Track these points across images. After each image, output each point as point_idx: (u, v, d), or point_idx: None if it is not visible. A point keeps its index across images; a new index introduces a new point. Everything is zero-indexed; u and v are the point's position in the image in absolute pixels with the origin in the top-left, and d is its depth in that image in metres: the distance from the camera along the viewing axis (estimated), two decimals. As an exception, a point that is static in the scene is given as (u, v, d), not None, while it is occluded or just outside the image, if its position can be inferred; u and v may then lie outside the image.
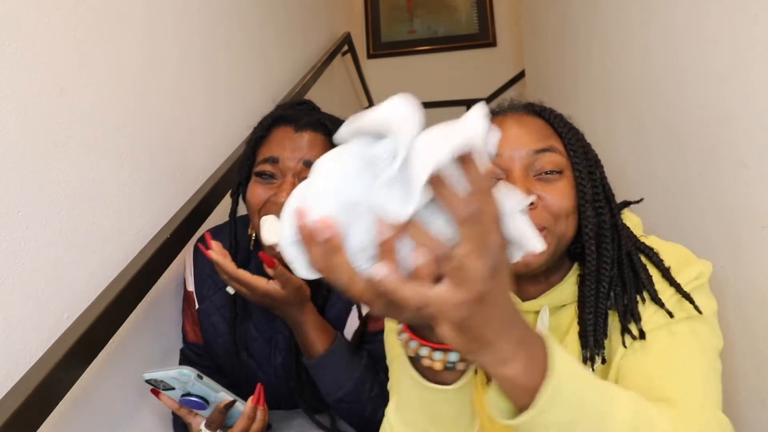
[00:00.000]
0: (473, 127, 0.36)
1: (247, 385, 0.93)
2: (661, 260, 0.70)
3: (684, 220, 0.99)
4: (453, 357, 0.50)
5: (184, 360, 1.04)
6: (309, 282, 0.88)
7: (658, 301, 0.67)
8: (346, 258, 0.40)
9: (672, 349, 0.65)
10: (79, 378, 0.70)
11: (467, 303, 0.37)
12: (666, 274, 0.69)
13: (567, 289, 0.73)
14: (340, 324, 0.95)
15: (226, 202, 1.27)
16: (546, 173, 0.70)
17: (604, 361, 0.68)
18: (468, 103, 4.10)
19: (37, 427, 0.63)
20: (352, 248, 0.40)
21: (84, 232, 0.82)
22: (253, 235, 0.93)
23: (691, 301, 0.66)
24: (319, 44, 2.62)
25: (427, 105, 4.27)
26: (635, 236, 0.74)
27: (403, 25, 4.37)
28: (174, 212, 1.03)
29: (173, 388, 0.81)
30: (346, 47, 3.20)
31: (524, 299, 0.73)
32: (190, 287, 1.01)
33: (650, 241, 0.74)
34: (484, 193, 0.37)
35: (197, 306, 1.00)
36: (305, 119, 0.93)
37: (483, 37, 4.26)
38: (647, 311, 0.68)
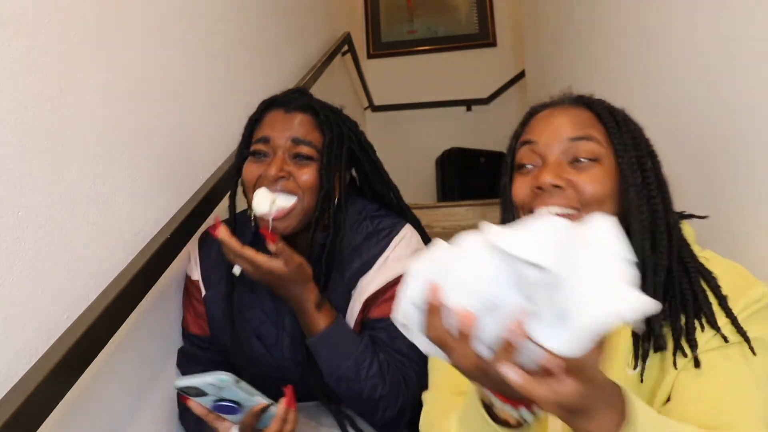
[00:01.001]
0: (637, 304, 0.42)
1: (257, 373, 0.94)
2: (719, 286, 0.68)
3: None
4: (528, 417, 0.55)
5: (184, 358, 1.04)
6: (309, 262, 0.91)
7: (715, 326, 0.66)
8: (470, 346, 0.47)
9: (728, 373, 0.65)
10: (79, 378, 0.70)
11: (583, 394, 0.45)
12: (723, 302, 0.67)
13: None
14: (340, 310, 0.96)
15: (227, 202, 1.28)
16: (580, 160, 0.72)
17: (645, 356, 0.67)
18: (468, 103, 4.11)
19: (37, 427, 0.63)
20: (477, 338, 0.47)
21: (84, 232, 0.82)
22: (253, 215, 0.95)
23: (746, 338, 0.64)
24: (319, 44, 2.62)
25: (427, 105, 4.30)
26: (692, 250, 0.72)
27: (403, 25, 4.37)
28: (174, 212, 1.03)
29: (206, 394, 0.78)
30: (346, 47, 3.20)
31: None
32: (195, 276, 1.04)
33: (707, 256, 0.72)
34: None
35: (204, 293, 1.02)
36: (295, 102, 0.99)
37: (483, 37, 4.25)
38: (703, 337, 0.66)
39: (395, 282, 0.95)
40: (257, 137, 0.97)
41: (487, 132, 4.06)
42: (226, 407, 0.80)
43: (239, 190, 1.01)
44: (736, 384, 0.64)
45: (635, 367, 0.67)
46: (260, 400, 0.80)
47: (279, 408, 0.81)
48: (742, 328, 0.65)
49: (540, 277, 0.43)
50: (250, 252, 0.85)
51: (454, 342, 0.47)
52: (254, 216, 0.94)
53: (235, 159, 1.01)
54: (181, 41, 1.20)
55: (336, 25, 3.14)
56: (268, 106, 1.01)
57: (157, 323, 1.00)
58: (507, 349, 0.45)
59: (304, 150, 0.94)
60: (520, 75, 3.81)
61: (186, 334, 1.05)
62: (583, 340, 0.42)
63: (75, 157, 0.81)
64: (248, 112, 1.49)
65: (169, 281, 1.03)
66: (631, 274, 0.43)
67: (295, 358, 0.98)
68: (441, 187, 3.85)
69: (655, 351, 0.67)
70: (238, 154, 1.01)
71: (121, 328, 0.81)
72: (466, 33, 4.27)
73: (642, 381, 0.66)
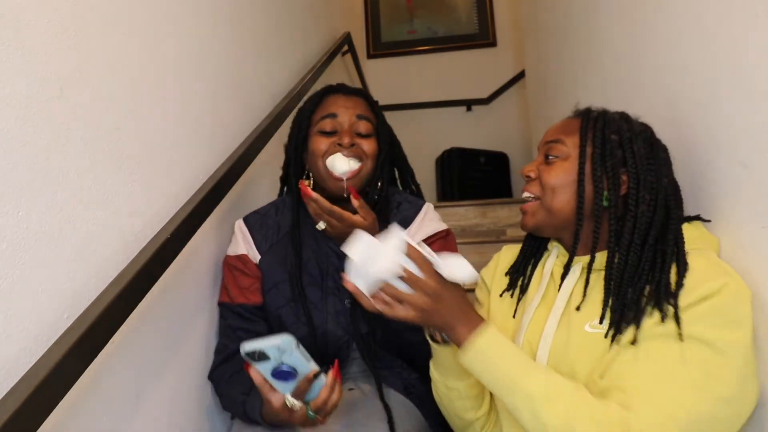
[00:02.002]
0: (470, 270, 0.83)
1: (299, 337, 1.04)
2: (681, 279, 0.78)
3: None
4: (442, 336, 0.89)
5: (228, 329, 1.15)
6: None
7: (663, 314, 0.76)
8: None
9: (657, 356, 0.75)
10: (79, 378, 0.70)
11: (422, 311, 0.80)
12: (666, 289, 0.78)
13: (599, 258, 0.88)
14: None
15: (227, 202, 1.28)
16: (549, 157, 0.93)
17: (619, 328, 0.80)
18: (468, 103, 4.11)
19: (37, 427, 0.63)
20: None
21: (84, 232, 0.82)
22: (311, 182, 1.17)
23: (678, 323, 0.74)
24: (319, 44, 2.63)
25: (427, 105, 4.31)
26: (676, 242, 0.82)
27: (402, 25, 4.37)
28: (174, 212, 1.03)
29: (268, 359, 0.84)
30: (346, 47, 3.20)
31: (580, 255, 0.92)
32: (243, 251, 1.19)
33: (695, 254, 0.81)
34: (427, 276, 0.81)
35: (259, 258, 1.17)
36: (350, 89, 1.22)
37: (483, 37, 4.26)
38: (650, 320, 0.78)
39: (435, 236, 1.19)
40: (322, 114, 1.16)
41: (487, 132, 4.07)
42: (283, 373, 0.85)
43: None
44: (658, 371, 0.73)
45: (607, 334, 0.81)
46: (314, 366, 0.87)
47: (329, 377, 0.89)
48: (679, 325, 0.74)
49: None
50: (337, 208, 1.02)
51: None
52: (312, 182, 1.16)
53: (291, 137, 1.23)
54: (181, 42, 1.20)
55: (336, 25, 3.14)
56: (326, 92, 1.21)
57: (157, 323, 1.00)
58: (384, 292, 0.81)
59: (364, 126, 1.15)
60: (520, 75, 3.81)
61: (230, 307, 1.15)
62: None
63: (75, 157, 0.81)
64: (248, 112, 1.49)
65: (169, 281, 1.03)
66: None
67: (337, 320, 1.11)
68: (441, 187, 3.85)
69: (617, 323, 0.80)
70: (295, 132, 1.21)
71: (121, 328, 0.81)
72: (466, 33, 4.28)
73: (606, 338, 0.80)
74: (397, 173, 1.31)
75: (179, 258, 0.99)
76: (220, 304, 1.19)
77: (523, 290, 1.00)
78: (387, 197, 1.19)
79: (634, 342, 0.77)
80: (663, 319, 0.75)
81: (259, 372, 0.86)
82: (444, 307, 0.80)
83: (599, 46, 1.61)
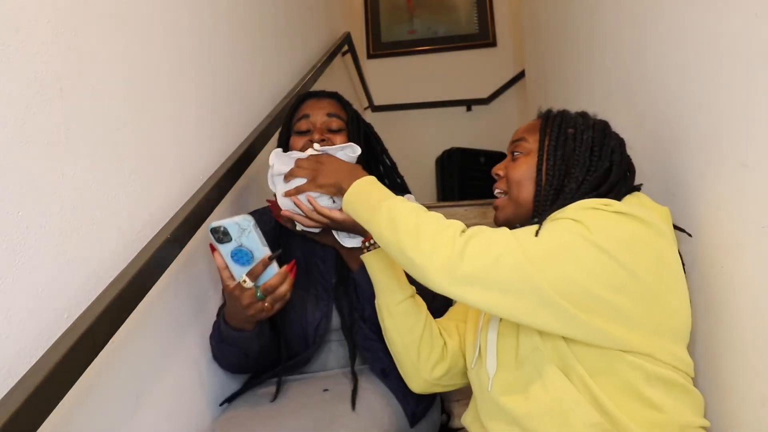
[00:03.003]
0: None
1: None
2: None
3: (684, 220, 0.99)
4: (370, 243, 1.06)
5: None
6: None
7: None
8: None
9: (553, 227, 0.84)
10: (79, 378, 0.70)
11: (311, 174, 1.05)
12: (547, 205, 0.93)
13: None
14: None
15: (227, 202, 1.28)
16: (514, 154, 1.02)
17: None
18: (468, 103, 4.11)
19: (37, 427, 0.63)
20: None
21: (84, 232, 0.82)
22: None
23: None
24: (319, 44, 2.63)
25: (427, 105, 4.30)
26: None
27: (403, 25, 4.36)
28: (174, 212, 1.03)
29: (230, 241, 0.95)
30: (346, 47, 3.20)
31: None
32: None
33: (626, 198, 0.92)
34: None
35: None
36: (324, 92, 1.33)
37: (483, 37, 4.25)
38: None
39: None
40: (298, 117, 1.26)
41: (487, 132, 4.06)
42: (241, 255, 0.96)
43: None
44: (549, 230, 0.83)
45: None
46: (267, 251, 0.97)
47: (283, 268, 0.98)
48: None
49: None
50: (325, 210, 1.07)
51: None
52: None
53: (278, 142, 1.31)
54: (182, 41, 1.20)
55: (336, 25, 3.14)
56: (301, 99, 1.32)
57: (157, 323, 1.00)
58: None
59: (335, 123, 1.25)
60: (520, 75, 3.81)
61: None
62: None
63: (75, 157, 0.81)
64: (248, 113, 1.50)
65: (169, 281, 1.03)
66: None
67: (317, 304, 1.18)
68: (441, 187, 3.85)
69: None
70: (280, 137, 1.32)
71: (120, 328, 0.81)
72: (466, 33, 4.27)
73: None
74: (382, 169, 1.36)
75: (179, 258, 0.99)
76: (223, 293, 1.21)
77: None
78: None
79: None
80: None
81: (221, 254, 0.96)
82: (327, 168, 1.02)
83: (600, 46, 1.61)
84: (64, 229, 0.78)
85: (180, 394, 1.05)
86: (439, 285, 0.78)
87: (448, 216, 0.89)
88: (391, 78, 4.26)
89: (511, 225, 0.98)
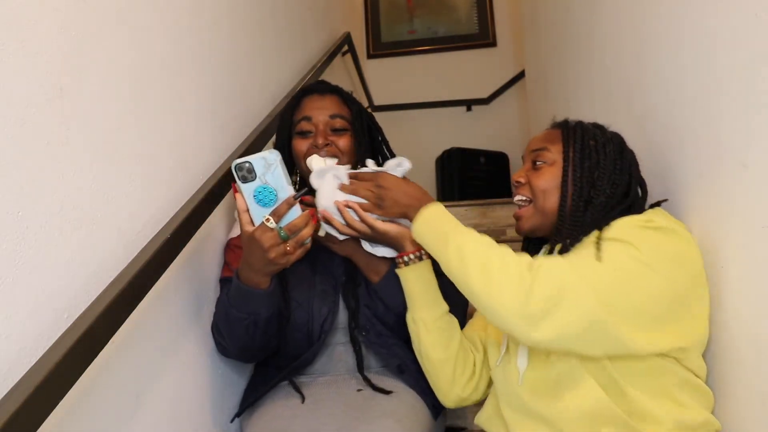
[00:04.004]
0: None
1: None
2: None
3: (683, 220, 0.99)
4: (408, 258, 1.05)
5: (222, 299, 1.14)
6: None
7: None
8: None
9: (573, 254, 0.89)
10: (79, 378, 0.70)
11: (375, 201, 1.02)
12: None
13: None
14: None
15: (227, 201, 1.28)
16: (536, 163, 1.03)
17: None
18: (468, 103, 4.11)
19: (37, 427, 0.62)
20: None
21: (84, 232, 0.82)
22: (297, 180, 1.25)
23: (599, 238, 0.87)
24: (319, 44, 2.63)
25: (427, 105, 4.30)
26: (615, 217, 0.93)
27: (403, 25, 4.36)
28: (174, 212, 1.03)
29: (253, 179, 0.94)
30: (346, 47, 3.20)
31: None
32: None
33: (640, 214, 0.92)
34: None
35: None
36: (326, 87, 1.29)
37: (483, 37, 4.25)
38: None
39: None
40: (299, 117, 1.23)
41: (487, 132, 4.06)
42: (265, 195, 0.94)
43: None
44: (575, 255, 0.87)
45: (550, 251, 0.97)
46: (292, 191, 0.96)
47: (306, 211, 0.97)
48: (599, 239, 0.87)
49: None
50: (370, 219, 1.05)
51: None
52: (298, 181, 1.24)
53: (276, 142, 1.30)
54: (181, 41, 1.20)
55: (336, 25, 3.14)
56: (302, 94, 1.28)
57: (157, 323, 1.00)
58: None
59: (339, 123, 1.22)
60: (520, 75, 3.81)
61: (229, 279, 1.14)
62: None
63: (75, 157, 0.81)
64: (248, 113, 1.50)
65: (169, 281, 1.03)
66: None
67: (323, 297, 1.16)
68: (441, 187, 3.85)
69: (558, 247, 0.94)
70: (280, 134, 1.28)
71: (120, 328, 0.81)
72: (466, 33, 4.27)
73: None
74: (381, 160, 1.35)
75: (179, 258, 0.99)
76: (220, 281, 1.22)
77: None
78: None
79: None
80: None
81: (243, 196, 0.95)
82: (393, 194, 1.00)
83: (600, 46, 1.61)
84: (64, 229, 0.78)
85: (180, 394, 1.05)
86: (518, 334, 0.82)
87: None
88: (391, 78, 4.26)
89: (535, 234, 1.04)
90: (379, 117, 1.48)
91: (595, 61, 1.65)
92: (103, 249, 0.86)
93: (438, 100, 4.13)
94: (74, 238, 0.79)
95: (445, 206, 1.01)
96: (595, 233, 0.89)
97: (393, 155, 1.34)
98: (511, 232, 2.69)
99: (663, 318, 0.83)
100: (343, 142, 1.21)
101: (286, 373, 1.15)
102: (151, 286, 0.89)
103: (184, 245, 1.00)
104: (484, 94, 4.09)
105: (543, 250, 1.05)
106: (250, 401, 1.16)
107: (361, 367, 1.13)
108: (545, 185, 1.00)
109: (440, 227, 0.94)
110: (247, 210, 0.95)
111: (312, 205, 1.07)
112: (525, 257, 0.86)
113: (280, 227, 0.95)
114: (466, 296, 0.88)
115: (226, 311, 1.07)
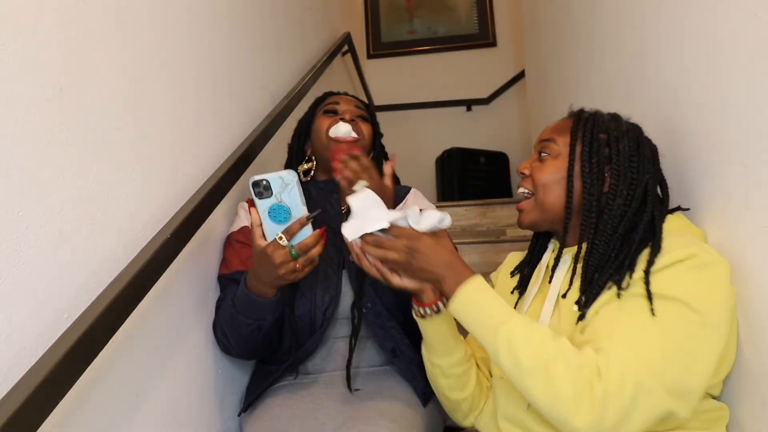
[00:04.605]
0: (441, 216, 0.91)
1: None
2: (654, 254, 0.82)
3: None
4: (424, 311, 0.98)
5: (223, 299, 1.17)
6: None
7: (619, 285, 0.82)
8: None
9: (623, 314, 0.80)
10: (79, 378, 0.70)
11: (405, 257, 0.89)
12: (631, 263, 0.83)
13: (585, 249, 0.91)
14: None
15: (227, 202, 1.28)
16: (541, 155, 0.98)
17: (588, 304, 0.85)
18: (468, 103, 4.11)
19: (37, 427, 0.63)
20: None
21: (84, 232, 0.82)
22: (314, 164, 1.35)
23: (647, 284, 0.79)
24: (319, 44, 2.63)
25: (427, 105, 4.30)
26: (654, 227, 0.86)
27: (403, 25, 4.37)
28: (174, 212, 1.03)
29: (269, 196, 0.96)
30: (346, 47, 3.20)
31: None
32: (245, 223, 1.26)
33: (673, 238, 0.85)
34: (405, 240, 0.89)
35: None
36: (347, 94, 1.41)
37: (483, 37, 4.26)
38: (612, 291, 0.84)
39: None
40: (325, 106, 1.34)
41: (487, 132, 4.07)
42: (278, 212, 0.97)
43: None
44: (629, 321, 0.78)
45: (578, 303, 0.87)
46: (305, 211, 0.98)
47: (316, 231, 0.99)
48: (647, 285, 0.79)
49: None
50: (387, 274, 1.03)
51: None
52: (330, 139, 1.28)
53: (292, 147, 1.40)
54: (181, 41, 1.20)
55: (336, 25, 3.14)
56: (329, 93, 1.41)
57: (157, 323, 1.00)
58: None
59: (363, 113, 1.34)
60: (520, 75, 3.81)
61: (227, 276, 1.19)
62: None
63: (75, 157, 0.81)
64: (248, 113, 1.50)
65: (169, 280, 1.03)
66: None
67: (325, 286, 1.18)
68: (441, 187, 3.85)
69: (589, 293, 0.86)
70: (300, 129, 1.38)
71: (120, 328, 0.81)
72: (466, 33, 4.28)
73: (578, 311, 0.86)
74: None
75: (179, 258, 0.99)
76: (219, 278, 1.22)
77: (524, 285, 1.03)
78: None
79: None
80: (624, 285, 0.81)
81: (258, 211, 0.97)
82: (426, 254, 0.88)
83: (600, 46, 1.61)
84: (64, 229, 0.78)
85: (180, 393, 1.05)
86: None
87: (448, 216, 0.90)
88: (391, 78, 4.26)
89: (536, 229, 1.01)
90: (379, 117, 1.49)
91: (595, 62, 1.65)
92: (103, 249, 0.86)
93: (438, 100, 4.13)
94: (74, 238, 0.79)
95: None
96: (639, 269, 0.81)
97: (387, 158, 1.38)
98: (511, 232, 2.69)
99: (716, 371, 0.81)
100: (366, 128, 1.31)
101: (288, 365, 1.16)
102: (151, 286, 0.89)
103: (184, 245, 1.00)
104: (484, 94, 4.09)
105: (551, 248, 1.02)
106: (253, 396, 1.18)
107: (349, 363, 1.14)
108: (546, 179, 0.94)
109: (483, 310, 0.83)
110: (261, 224, 0.98)
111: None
112: (587, 354, 0.75)
113: (292, 245, 0.97)
114: (522, 392, 0.79)
115: (232, 315, 1.09)
